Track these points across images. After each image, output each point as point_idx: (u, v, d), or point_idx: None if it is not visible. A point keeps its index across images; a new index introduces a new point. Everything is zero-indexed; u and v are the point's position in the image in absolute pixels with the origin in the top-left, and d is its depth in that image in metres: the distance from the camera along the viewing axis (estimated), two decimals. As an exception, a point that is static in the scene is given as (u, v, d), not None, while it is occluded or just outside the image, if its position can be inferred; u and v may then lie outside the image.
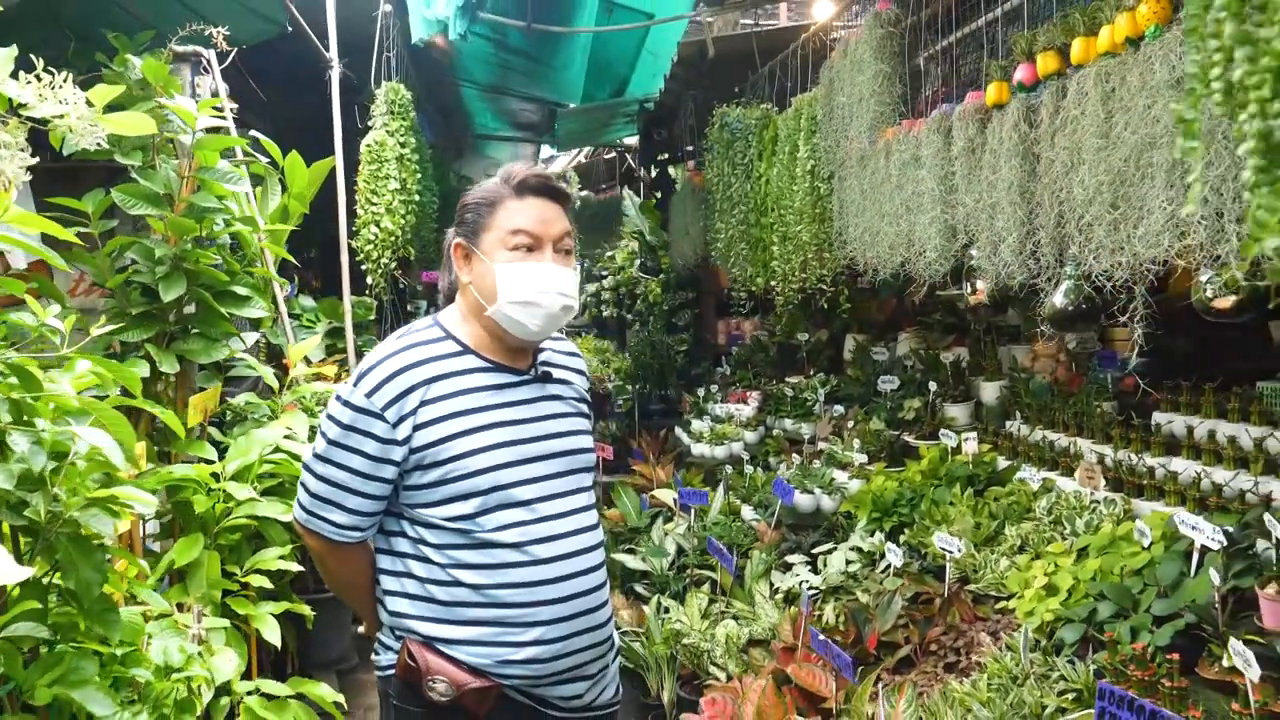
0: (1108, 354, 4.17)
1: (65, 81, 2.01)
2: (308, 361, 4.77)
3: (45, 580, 2.02)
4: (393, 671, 1.97)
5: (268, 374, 4.14)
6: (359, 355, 6.23)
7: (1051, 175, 2.73)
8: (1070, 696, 2.69)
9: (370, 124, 6.00)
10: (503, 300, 1.90)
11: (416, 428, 1.89)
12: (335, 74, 5.48)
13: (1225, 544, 2.68)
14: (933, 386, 5.01)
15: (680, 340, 8.97)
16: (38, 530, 1.82)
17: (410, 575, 1.95)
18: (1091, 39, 2.69)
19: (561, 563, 1.94)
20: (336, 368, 5.30)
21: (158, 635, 2.76)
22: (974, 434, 4.37)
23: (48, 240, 2.47)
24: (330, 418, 1.94)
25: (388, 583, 1.99)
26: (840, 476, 4.90)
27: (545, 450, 1.99)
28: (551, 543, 1.94)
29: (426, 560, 1.93)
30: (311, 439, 4.12)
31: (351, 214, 5.76)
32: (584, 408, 2.16)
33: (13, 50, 2.08)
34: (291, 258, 4.40)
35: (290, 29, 5.13)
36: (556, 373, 2.09)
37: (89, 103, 2.02)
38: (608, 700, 2.13)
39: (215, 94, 4.44)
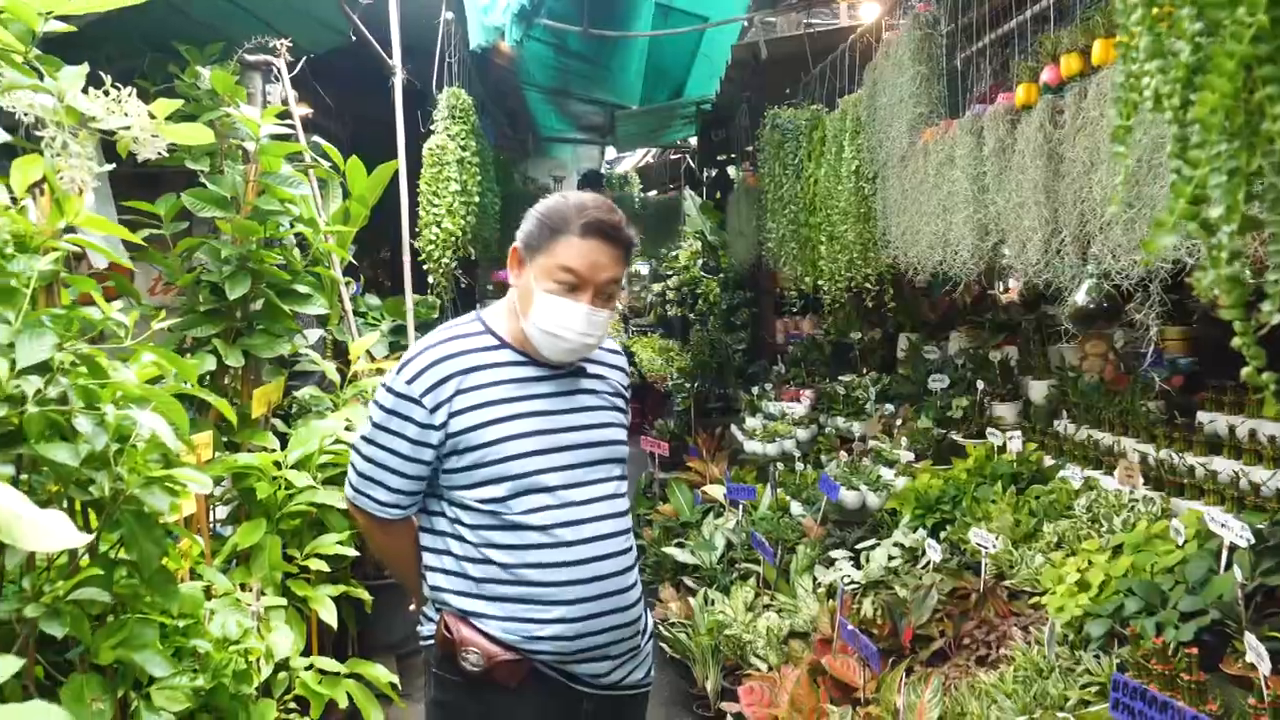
0: (1154, 353, 4.15)
1: (130, 95, 2.19)
2: (370, 357, 4.96)
3: (112, 554, 2.20)
4: (433, 641, 2.10)
5: (330, 369, 4.33)
6: (420, 352, 6.44)
7: (1073, 175, 2.76)
8: (1093, 690, 2.72)
9: (432, 128, 6.19)
10: (534, 322, 2.03)
11: (452, 414, 2.01)
12: (398, 80, 5.67)
13: (1253, 541, 2.69)
14: (980, 385, 5.02)
15: (738, 339, 9.04)
16: (103, 506, 1.99)
17: (448, 552, 2.08)
18: (1110, 41, 2.71)
19: (586, 546, 2.05)
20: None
21: (219, 611, 2.94)
22: (1018, 433, 4.38)
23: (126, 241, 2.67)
24: (375, 402, 2.08)
25: (429, 559, 2.13)
26: (887, 474, 4.94)
27: (574, 441, 2.09)
28: (576, 527, 2.05)
29: (462, 539, 2.06)
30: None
31: (415, 215, 5.95)
32: (619, 402, 2.25)
33: (84, 68, 2.26)
34: (350, 257, 4.57)
35: (354, 38, 5.35)
36: (592, 368, 2.19)
37: (151, 115, 2.19)
38: (637, 681, 2.21)
39: (285, 101, 4.66)
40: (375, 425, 2.07)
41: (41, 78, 2.23)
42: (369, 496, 2.11)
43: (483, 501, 2.03)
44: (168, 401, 1.96)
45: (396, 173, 5.13)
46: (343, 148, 4.60)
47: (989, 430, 4.66)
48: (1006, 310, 4.55)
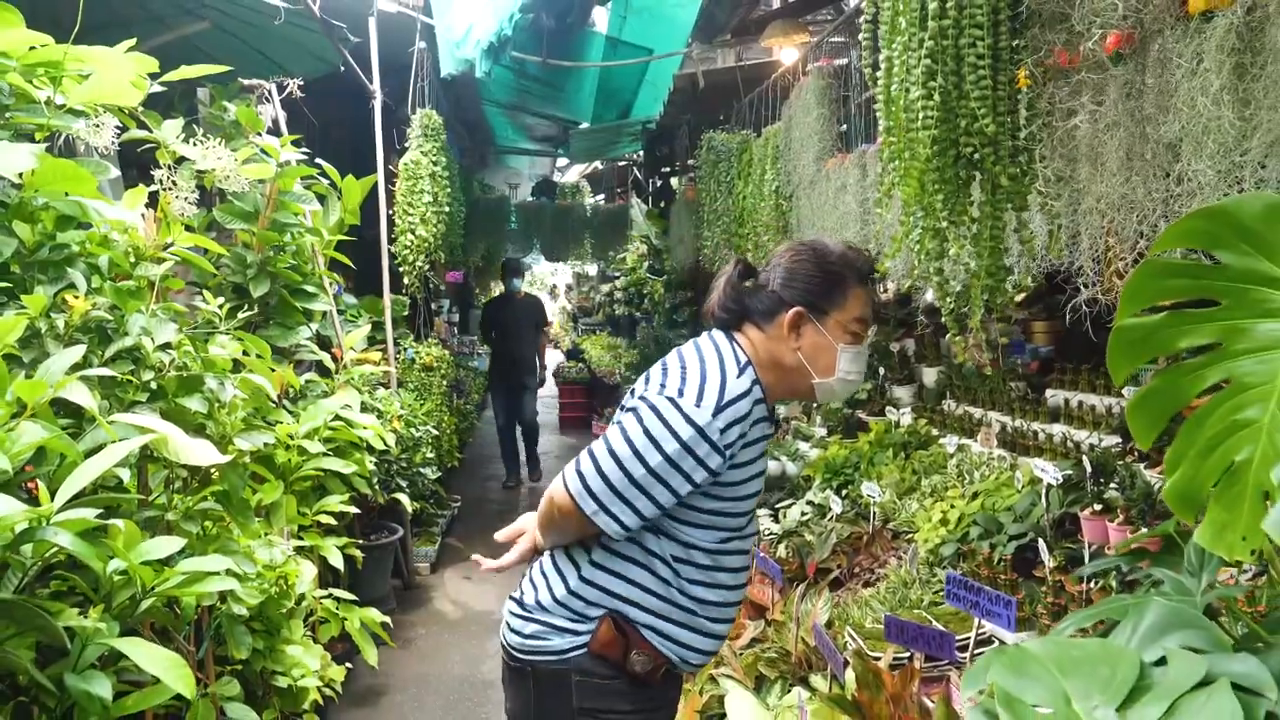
0: (1017, 343, 5.06)
1: (219, 143, 2.93)
2: (352, 350, 5.70)
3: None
4: (579, 651, 2.10)
5: (325, 358, 5.06)
6: (397, 346, 7.18)
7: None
8: (942, 594, 3.58)
9: (406, 145, 6.94)
10: (839, 375, 2.09)
11: (731, 465, 2.01)
12: (378, 104, 6.40)
13: (1060, 481, 3.56)
14: (883, 371, 5.91)
15: (680, 335, 9.89)
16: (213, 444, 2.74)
17: (645, 568, 2.08)
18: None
19: (747, 572, 2.25)
20: (379, 355, 6.22)
21: (259, 548, 3.69)
22: (909, 410, 5.26)
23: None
24: (672, 431, 1.94)
25: (610, 581, 2.10)
26: (804, 447, 5.80)
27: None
28: (748, 555, 2.21)
29: (665, 561, 2.08)
30: (364, 411, 5.07)
31: (390, 223, 6.69)
32: None
33: (180, 122, 3.01)
34: (347, 260, 5.29)
35: (343, 69, 6.07)
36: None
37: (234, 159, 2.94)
38: None
39: (275, 121, 5.38)
40: (665, 457, 1.93)
41: (148, 128, 2.98)
42: (614, 518, 1.98)
43: (698, 538, 2.07)
44: (261, 367, 2.72)
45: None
46: (312, 150, 5.28)
47: (888, 409, 5.54)
48: (886, 306, 5.42)
